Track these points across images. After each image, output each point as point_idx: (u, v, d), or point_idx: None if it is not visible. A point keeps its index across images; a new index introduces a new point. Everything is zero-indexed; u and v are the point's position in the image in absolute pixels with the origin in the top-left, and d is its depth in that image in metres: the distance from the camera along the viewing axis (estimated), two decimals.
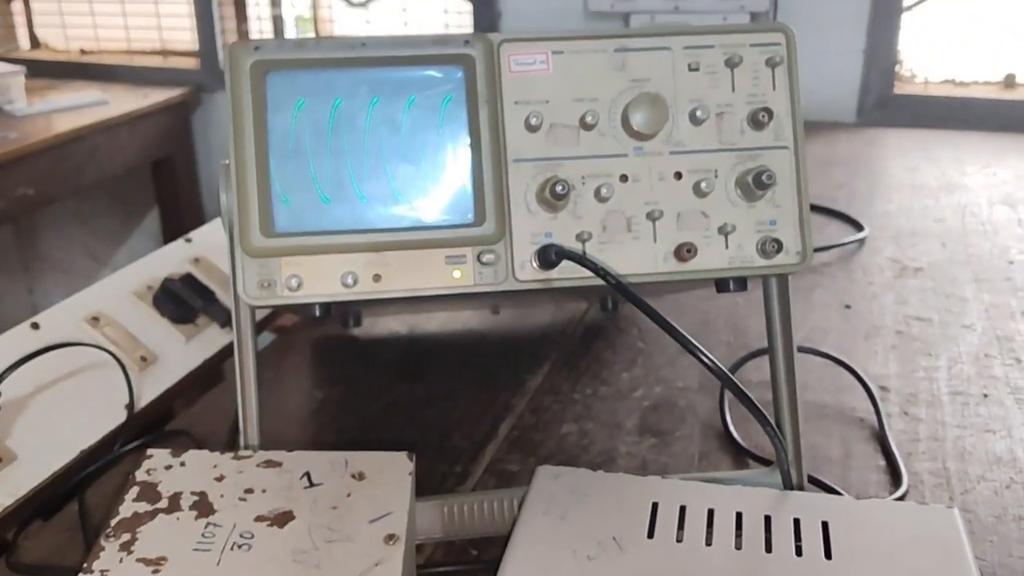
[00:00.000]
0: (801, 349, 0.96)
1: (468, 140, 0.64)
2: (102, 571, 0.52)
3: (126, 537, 0.55)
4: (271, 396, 0.93)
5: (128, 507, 0.58)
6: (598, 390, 0.95)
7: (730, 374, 0.63)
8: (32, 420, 0.83)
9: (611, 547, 0.58)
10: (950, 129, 1.92)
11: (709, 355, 0.61)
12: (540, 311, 1.11)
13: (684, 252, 0.65)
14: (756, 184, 0.64)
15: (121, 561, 0.53)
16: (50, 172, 2.18)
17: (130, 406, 0.87)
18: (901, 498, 0.78)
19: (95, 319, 0.94)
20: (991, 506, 0.76)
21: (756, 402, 0.63)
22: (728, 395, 0.90)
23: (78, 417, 0.85)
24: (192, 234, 1.11)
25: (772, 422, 0.65)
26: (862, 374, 0.94)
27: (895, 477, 0.80)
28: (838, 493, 0.77)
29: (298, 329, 1.09)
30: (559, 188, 0.62)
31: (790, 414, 0.72)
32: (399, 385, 0.96)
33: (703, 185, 0.65)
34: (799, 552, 0.57)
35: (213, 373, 1.02)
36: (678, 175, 0.65)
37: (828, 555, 0.57)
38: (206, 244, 1.09)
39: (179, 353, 0.97)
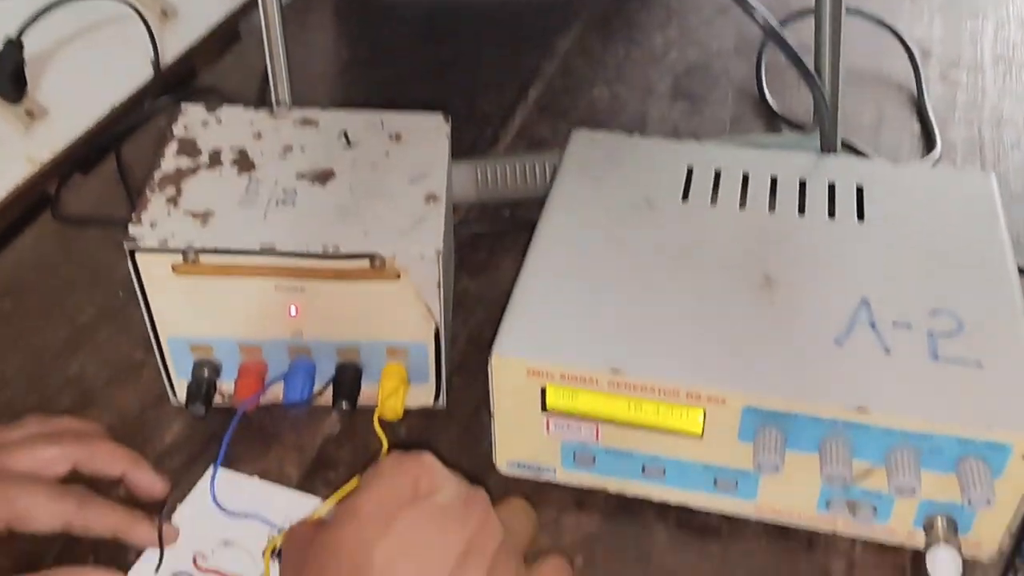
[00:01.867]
0: None
1: None
2: (151, 223, 0.54)
3: (171, 191, 0.56)
4: (295, 54, 0.90)
5: (169, 162, 0.58)
6: (630, 52, 0.92)
7: (771, 21, 0.61)
8: (59, 76, 0.82)
9: (645, 208, 0.58)
10: None
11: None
12: None
13: None
14: None
15: (169, 214, 0.54)
16: None
17: (156, 61, 0.85)
18: (934, 163, 0.78)
19: None
20: (1022, 175, 0.76)
21: (796, 52, 0.62)
22: (764, 58, 0.88)
23: (105, 73, 0.84)
24: None
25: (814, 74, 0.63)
26: (905, 36, 0.90)
27: (928, 143, 0.80)
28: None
29: None
30: None
31: (831, 73, 0.70)
32: (425, 46, 0.94)
33: None
34: (832, 214, 0.58)
35: (232, 32, 0.99)
36: None
37: (861, 217, 0.58)
38: None
39: (199, 7, 0.94)
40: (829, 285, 0.53)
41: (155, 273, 0.53)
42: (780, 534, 0.53)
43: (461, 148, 0.79)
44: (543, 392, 0.50)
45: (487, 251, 0.71)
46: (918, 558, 0.51)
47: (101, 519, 0.50)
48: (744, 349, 0.50)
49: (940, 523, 0.49)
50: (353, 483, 0.50)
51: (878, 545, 0.52)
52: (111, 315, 0.67)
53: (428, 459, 0.42)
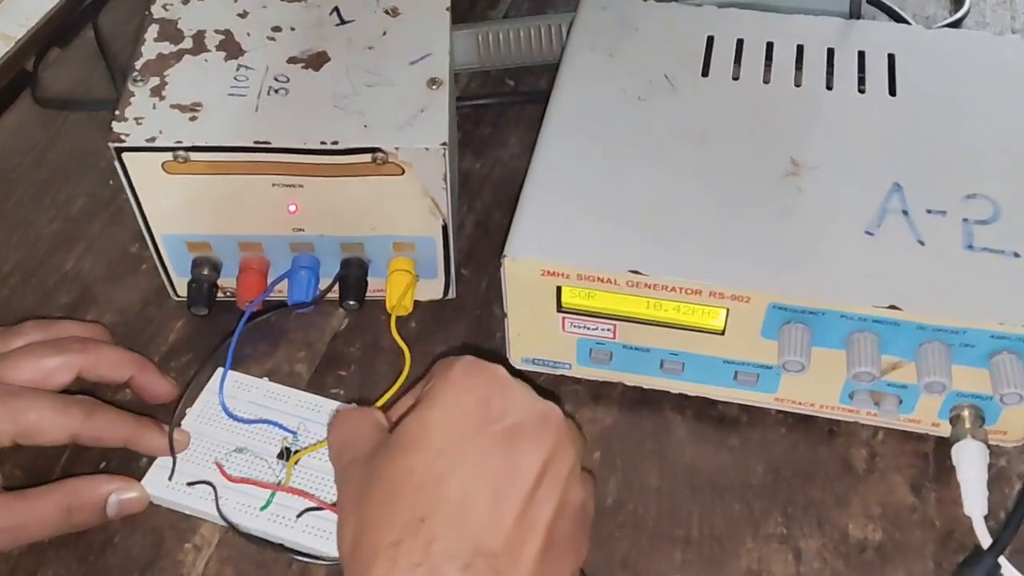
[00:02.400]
0: None
1: None
2: (136, 119, 0.50)
3: (155, 81, 0.52)
4: None
5: (150, 47, 0.54)
6: None
7: None
8: None
9: (663, 86, 0.55)
10: None
11: None
12: None
13: None
14: None
15: (155, 107, 0.51)
16: None
17: None
18: (962, 18, 0.73)
19: None
20: None
21: None
22: None
23: None
24: None
25: None
26: None
27: None
28: (902, 18, 0.72)
29: None
30: None
31: None
32: None
33: None
34: (862, 89, 0.54)
35: None
36: None
37: (892, 92, 0.54)
38: None
39: None
40: (859, 169, 0.50)
41: (144, 171, 0.50)
42: (800, 424, 0.52)
43: (459, 11, 0.74)
44: (558, 291, 0.48)
45: (491, 125, 0.68)
46: (941, 445, 0.50)
47: (109, 430, 0.49)
48: (770, 244, 0.47)
49: (967, 414, 0.48)
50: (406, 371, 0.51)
51: (900, 433, 0.51)
52: (103, 205, 0.64)
53: (500, 374, 0.40)
